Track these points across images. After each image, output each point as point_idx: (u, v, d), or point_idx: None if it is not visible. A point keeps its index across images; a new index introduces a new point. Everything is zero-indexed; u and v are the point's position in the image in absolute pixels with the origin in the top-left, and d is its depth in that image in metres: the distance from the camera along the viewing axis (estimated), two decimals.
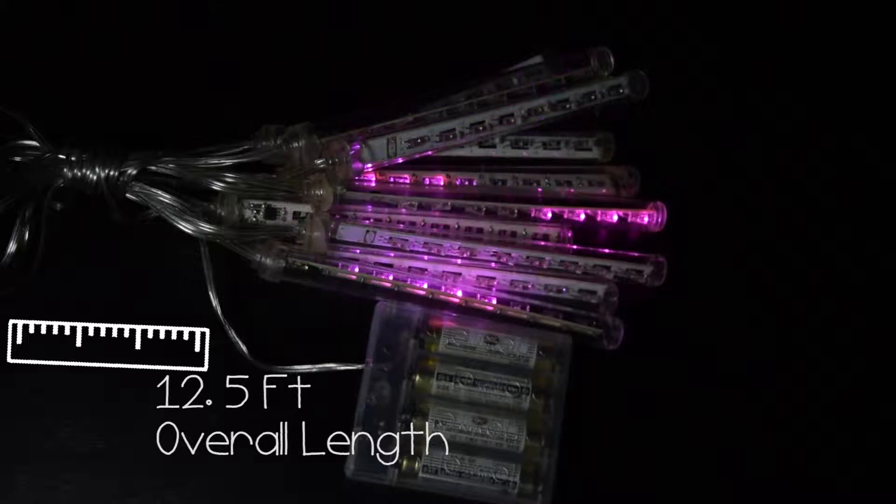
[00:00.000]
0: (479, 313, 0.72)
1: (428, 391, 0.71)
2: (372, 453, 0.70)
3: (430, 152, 0.74)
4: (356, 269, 0.72)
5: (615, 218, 0.75)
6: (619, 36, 0.79)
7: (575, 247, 0.74)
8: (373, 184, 0.74)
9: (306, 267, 0.72)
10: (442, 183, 0.74)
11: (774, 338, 0.76)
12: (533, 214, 0.75)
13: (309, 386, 0.72)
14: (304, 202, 0.72)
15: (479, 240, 0.74)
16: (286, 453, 0.71)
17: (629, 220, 0.75)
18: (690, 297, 0.76)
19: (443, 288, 0.72)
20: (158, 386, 0.72)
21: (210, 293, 0.70)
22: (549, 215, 0.75)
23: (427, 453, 0.70)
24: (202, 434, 0.71)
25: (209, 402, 0.72)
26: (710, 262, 0.77)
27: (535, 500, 0.70)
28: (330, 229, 0.72)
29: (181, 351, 0.72)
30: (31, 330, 0.72)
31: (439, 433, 0.70)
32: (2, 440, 0.70)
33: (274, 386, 0.72)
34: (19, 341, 0.72)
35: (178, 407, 0.71)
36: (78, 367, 0.72)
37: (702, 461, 0.74)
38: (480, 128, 0.74)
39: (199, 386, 0.72)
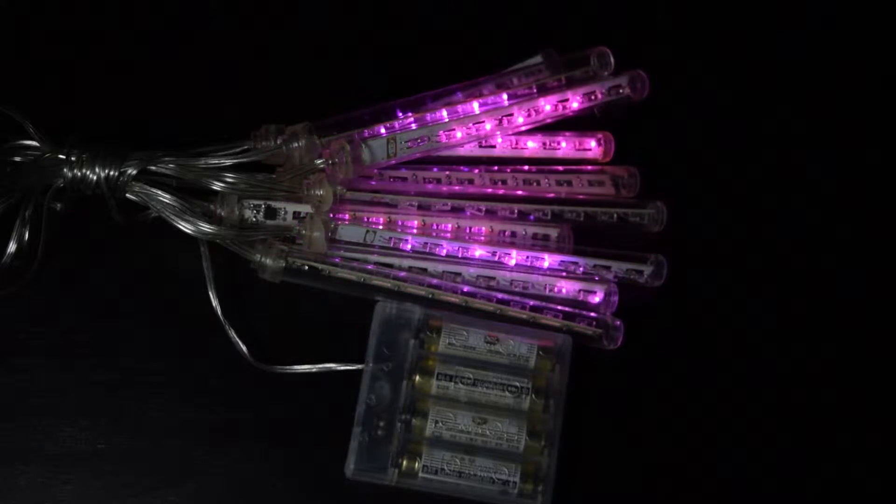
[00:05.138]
0: (479, 313, 0.72)
1: (428, 391, 0.71)
2: (372, 453, 0.70)
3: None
4: (356, 270, 0.72)
5: (615, 217, 0.75)
6: (619, 36, 0.79)
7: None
8: (373, 184, 0.74)
9: (306, 267, 0.72)
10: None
11: (774, 338, 0.76)
12: (533, 215, 0.75)
13: (309, 386, 0.72)
14: (304, 202, 0.72)
15: (479, 240, 0.74)
16: (286, 453, 0.71)
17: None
18: (690, 297, 0.76)
19: (443, 288, 0.72)
20: (158, 386, 0.72)
21: (210, 293, 0.70)
22: (549, 215, 0.75)
23: (427, 453, 0.70)
24: (202, 434, 0.71)
25: (209, 402, 0.72)
26: (710, 262, 0.77)
27: (535, 500, 0.70)
28: (330, 229, 0.72)
29: (182, 350, 0.72)
30: (32, 329, 0.72)
31: (439, 433, 0.70)
32: (2, 440, 0.70)
33: (274, 386, 0.72)
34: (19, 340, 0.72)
35: (178, 406, 0.71)
36: (78, 366, 0.72)
37: (702, 461, 0.74)
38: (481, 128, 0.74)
39: (200, 385, 0.72)
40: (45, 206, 0.71)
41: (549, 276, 0.74)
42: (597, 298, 0.73)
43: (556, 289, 0.73)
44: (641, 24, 0.82)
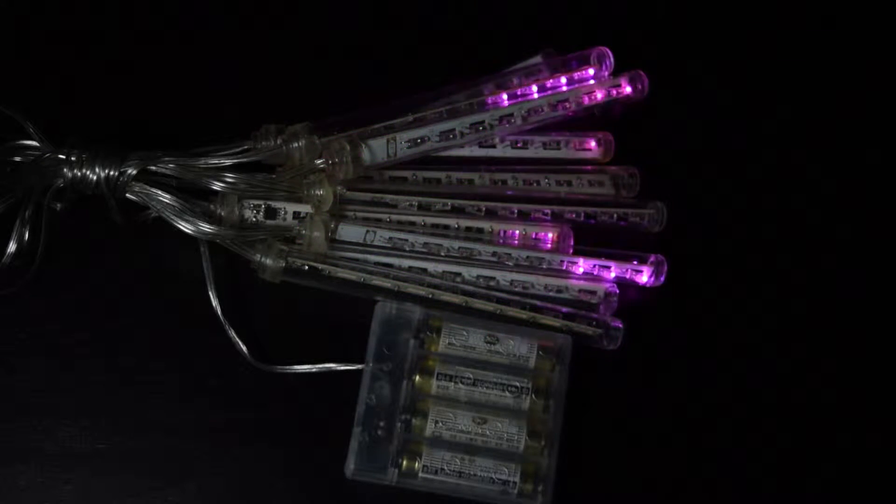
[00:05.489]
0: (479, 313, 0.72)
1: (428, 391, 0.71)
2: (372, 453, 0.70)
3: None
4: (356, 270, 0.72)
5: (615, 217, 0.75)
6: (619, 36, 0.79)
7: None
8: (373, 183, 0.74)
9: (306, 267, 0.72)
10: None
11: (774, 338, 0.76)
12: (533, 215, 0.75)
13: (309, 386, 0.72)
14: (304, 202, 0.72)
15: (479, 240, 0.74)
16: (286, 453, 0.71)
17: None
18: (690, 297, 0.76)
19: (443, 288, 0.72)
20: (158, 386, 0.72)
21: (210, 293, 0.70)
22: (549, 215, 0.75)
23: (427, 453, 0.70)
24: (202, 434, 0.71)
25: (209, 402, 0.72)
26: (710, 262, 0.77)
27: (535, 500, 0.70)
28: (330, 229, 0.72)
29: (182, 350, 0.72)
30: (32, 329, 0.72)
31: (439, 433, 0.70)
32: (2, 440, 0.70)
33: (274, 386, 0.72)
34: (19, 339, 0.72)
35: (178, 406, 0.71)
36: (78, 366, 0.71)
37: (702, 461, 0.74)
38: (480, 128, 0.74)
39: (200, 385, 0.72)
40: (45, 206, 0.71)
41: (549, 276, 0.74)
42: (597, 298, 0.73)
43: (555, 289, 0.73)
44: (641, 24, 0.82)
